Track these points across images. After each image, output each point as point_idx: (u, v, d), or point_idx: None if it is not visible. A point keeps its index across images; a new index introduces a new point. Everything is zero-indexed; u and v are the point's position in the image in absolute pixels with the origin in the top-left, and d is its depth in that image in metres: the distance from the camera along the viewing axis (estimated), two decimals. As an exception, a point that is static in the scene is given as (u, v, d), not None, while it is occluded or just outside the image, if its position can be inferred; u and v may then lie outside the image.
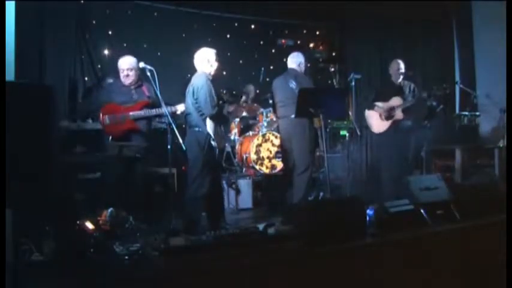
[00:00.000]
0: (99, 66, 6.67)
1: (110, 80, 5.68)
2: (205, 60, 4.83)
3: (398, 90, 6.07)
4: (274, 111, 6.00)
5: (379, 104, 6.03)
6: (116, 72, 5.28)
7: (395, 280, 3.11)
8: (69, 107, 6.12)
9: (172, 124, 4.66)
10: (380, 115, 6.01)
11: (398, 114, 5.93)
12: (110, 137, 4.97)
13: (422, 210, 4.50)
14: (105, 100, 5.08)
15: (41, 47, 5.87)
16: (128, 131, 5.00)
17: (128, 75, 5.06)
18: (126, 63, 5.07)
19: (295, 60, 5.63)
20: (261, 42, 8.06)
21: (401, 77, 6.12)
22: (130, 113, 4.97)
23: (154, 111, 4.99)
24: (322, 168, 6.57)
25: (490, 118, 6.83)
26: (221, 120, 4.89)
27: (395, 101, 5.97)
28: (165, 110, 4.76)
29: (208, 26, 7.53)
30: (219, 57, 4.93)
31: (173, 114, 4.93)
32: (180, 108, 4.97)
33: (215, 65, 4.86)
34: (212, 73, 4.86)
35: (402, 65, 6.10)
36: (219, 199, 5.04)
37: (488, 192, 4.39)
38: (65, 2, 6.14)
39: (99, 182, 5.02)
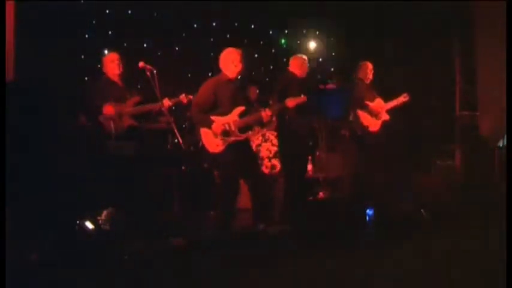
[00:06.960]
0: (99, 66, 6.66)
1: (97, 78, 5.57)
2: (229, 61, 4.51)
3: (371, 92, 6.10)
4: None
5: (369, 104, 6.01)
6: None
7: (395, 280, 3.11)
8: (69, 106, 6.10)
9: (172, 124, 4.64)
10: (371, 115, 5.98)
11: (385, 115, 5.95)
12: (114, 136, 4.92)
13: (422, 210, 4.52)
14: (100, 99, 5.02)
15: (41, 47, 5.87)
16: (128, 128, 4.98)
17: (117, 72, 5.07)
18: (115, 60, 5.04)
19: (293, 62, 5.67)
20: (261, 42, 8.06)
21: (371, 78, 6.17)
22: (128, 110, 4.94)
23: (149, 106, 4.97)
24: (321, 168, 6.56)
25: (490, 118, 6.82)
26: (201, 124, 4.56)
27: (379, 102, 5.99)
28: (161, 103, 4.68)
29: (208, 26, 7.52)
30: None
31: (166, 108, 4.78)
32: (165, 102, 4.73)
33: (239, 66, 4.51)
34: (234, 75, 4.54)
35: (371, 67, 6.14)
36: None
37: (488, 192, 4.40)
38: (65, 2, 6.14)
39: (99, 182, 5.00)
